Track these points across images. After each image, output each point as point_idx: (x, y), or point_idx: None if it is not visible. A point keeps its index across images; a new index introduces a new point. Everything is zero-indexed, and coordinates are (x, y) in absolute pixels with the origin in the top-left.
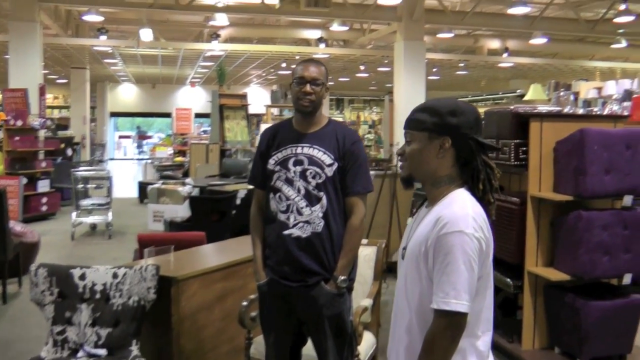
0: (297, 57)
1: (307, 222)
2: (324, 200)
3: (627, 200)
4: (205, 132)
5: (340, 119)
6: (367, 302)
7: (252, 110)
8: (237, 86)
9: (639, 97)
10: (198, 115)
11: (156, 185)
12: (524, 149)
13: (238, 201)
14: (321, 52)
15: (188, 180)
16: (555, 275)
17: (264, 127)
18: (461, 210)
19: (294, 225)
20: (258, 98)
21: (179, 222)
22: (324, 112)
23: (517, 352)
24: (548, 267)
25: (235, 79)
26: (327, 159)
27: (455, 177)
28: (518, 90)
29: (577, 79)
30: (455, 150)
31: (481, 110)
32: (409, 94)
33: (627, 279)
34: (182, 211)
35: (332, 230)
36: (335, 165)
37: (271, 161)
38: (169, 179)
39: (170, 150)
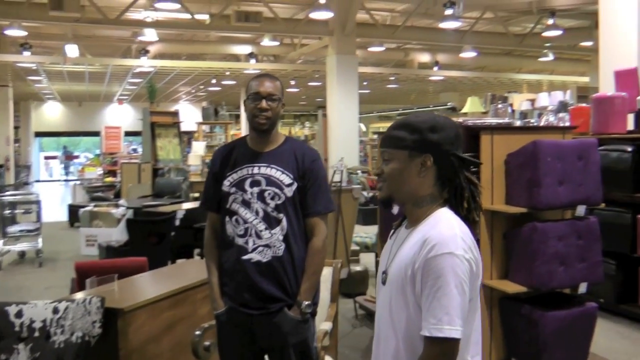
0: (227, 73)
1: (267, 245)
2: (284, 222)
3: (581, 210)
4: (135, 150)
5: None
6: (327, 325)
7: (183, 127)
8: (167, 103)
9: (577, 108)
10: (128, 134)
11: (88, 208)
12: None
13: (177, 222)
14: (252, 67)
15: (121, 201)
16: (511, 287)
17: (196, 145)
18: (449, 231)
19: (254, 250)
20: (188, 115)
21: (116, 246)
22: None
23: None
24: (503, 280)
25: (165, 95)
26: (286, 178)
27: (437, 196)
28: (449, 103)
29: (507, 91)
30: (437, 168)
31: None
32: (342, 107)
33: (582, 287)
34: (116, 234)
35: (293, 253)
36: (295, 185)
37: (226, 182)
38: (100, 201)
39: (99, 171)
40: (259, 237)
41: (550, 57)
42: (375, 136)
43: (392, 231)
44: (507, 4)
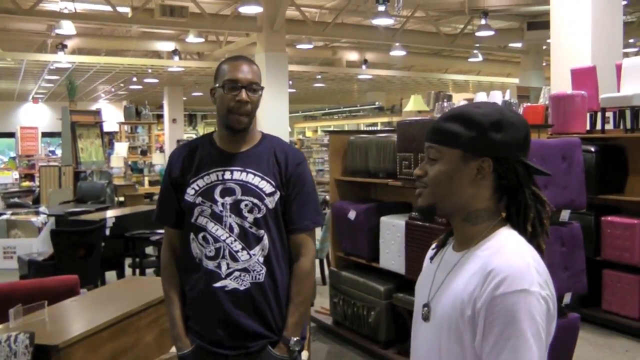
0: (149, 71)
1: (244, 270)
2: (265, 240)
3: (565, 215)
4: (53, 152)
5: (194, 136)
6: (305, 355)
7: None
8: (85, 102)
9: (531, 107)
10: (45, 135)
11: (5, 217)
12: None
13: (107, 231)
14: (175, 65)
15: (41, 208)
16: None
17: (118, 146)
18: (520, 260)
19: (228, 275)
20: (108, 115)
21: (39, 261)
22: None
23: None
24: None
25: (83, 94)
26: (266, 186)
27: (495, 212)
28: (377, 103)
29: (436, 91)
30: (496, 177)
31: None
32: (271, 106)
33: (567, 298)
34: (37, 245)
35: (276, 278)
36: (278, 195)
37: (189, 191)
38: (18, 208)
39: (15, 175)
40: (234, 259)
41: (480, 58)
42: (301, 136)
43: (432, 251)
44: (438, 3)
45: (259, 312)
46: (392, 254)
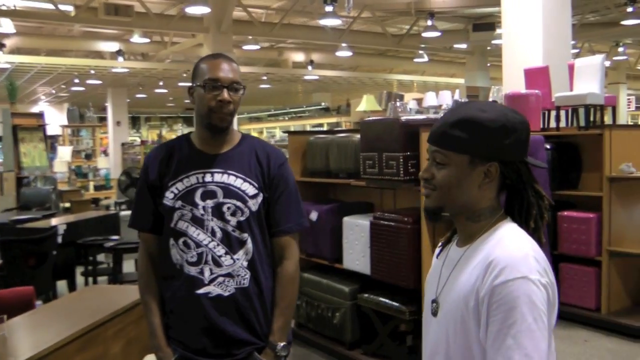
0: (92, 72)
1: (228, 275)
2: (249, 243)
3: None
4: None
5: (138, 139)
6: None
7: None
8: (25, 105)
9: None
10: None
11: None
12: (414, 162)
13: (59, 239)
14: (119, 66)
15: None
16: None
17: (61, 150)
18: (519, 250)
19: (212, 281)
20: (49, 118)
21: None
22: None
23: None
24: None
25: (23, 96)
26: (249, 188)
27: (497, 207)
28: (323, 103)
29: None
30: (501, 177)
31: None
32: None
33: None
34: None
35: (260, 283)
36: (261, 197)
37: (168, 194)
38: None
39: None
40: (217, 264)
41: (425, 58)
42: None
43: (438, 249)
44: (385, 4)
45: (244, 318)
46: (356, 254)
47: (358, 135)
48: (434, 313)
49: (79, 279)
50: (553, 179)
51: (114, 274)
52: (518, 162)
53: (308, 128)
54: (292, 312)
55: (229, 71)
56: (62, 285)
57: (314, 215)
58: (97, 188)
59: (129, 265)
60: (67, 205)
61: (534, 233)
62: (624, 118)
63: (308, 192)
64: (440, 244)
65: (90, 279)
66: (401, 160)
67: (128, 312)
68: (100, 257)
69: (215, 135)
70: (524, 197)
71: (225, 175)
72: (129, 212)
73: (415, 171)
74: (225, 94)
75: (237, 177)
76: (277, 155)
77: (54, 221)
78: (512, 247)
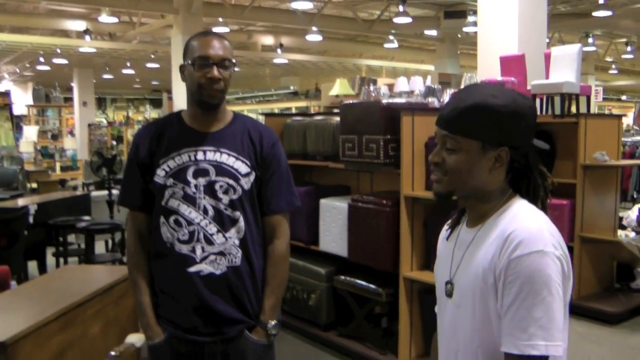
0: (58, 51)
1: (220, 253)
2: (241, 222)
3: None
4: None
5: (104, 120)
6: None
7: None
8: None
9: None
10: None
11: None
12: (394, 145)
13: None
14: (86, 45)
15: None
16: (433, 278)
17: (27, 130)
18: (534, 224)
19: (203, 260)
20: (14, 98)
21: None
22: None
23: None
24: (424, 271)
25: None
26: (242, 167)
27: (506, 188)
28: (291, 87)
29: (355, 75)
30: (510, 161)
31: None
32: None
33: None
34: None
35: (252, 262)
36: (253, 175)
37: (160, 172)
38: None
39: None
40: (209, 242)
41: (395, 44)
42: None
43: (446, 232)
44: None
45: (236, 297)
46: (332, 237)
47: (336, 118)
48: (449, 294)
49: (50, 260)
50: None
51: (86, 255)
52: (527, 147)
53: (276, 112)
54: (282, 291)
55: (219, 48)
56: (32, 266)
57: None
58: (63, 169)
59: (99, 247)
60: (34, 185)
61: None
62: (592, 108)
63: None
64: (447, 226)
65: (62, 260)
66: (381, 143)
67: (107, 293)
68: (71, 238)
69: (207, 113)
70: (531, 180)
71: (218, 154)
72: (99, 193)
73: (395, 154)
74: (215, 71)
75: (229, 155)
76: (270, 135)
77: (22, 201)
78: (528, 222)
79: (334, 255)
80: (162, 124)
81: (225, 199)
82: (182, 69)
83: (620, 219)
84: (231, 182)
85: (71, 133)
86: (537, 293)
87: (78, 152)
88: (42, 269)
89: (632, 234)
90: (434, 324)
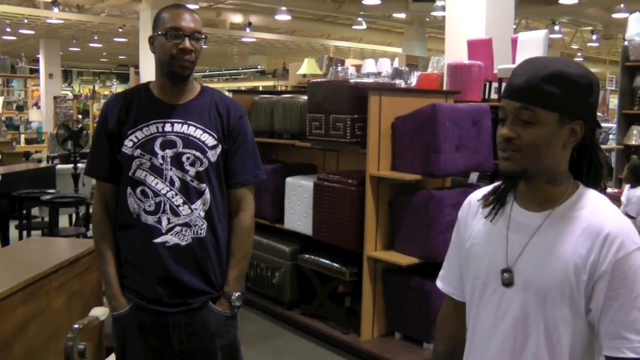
0: (25, 21)
1: (186, 224)
2: (207, 194)
3: (474, 177)
4: None
5: (70, 93)
6: None
7: None
8: None
9: (426, 74)
10: None
11: None
12: (361, 124)
13: None
14: (54, 17)
15: None
16: (397, 258)
17: None
18: (624, 220)
19: (169, 231)
20: None
21: None
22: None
23: (356, 344)
24: (388, 251)
25: None
26: (209, 139)
27: (568, 172)
28: (259, 66)
29: (323, 55)
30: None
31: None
32: (154, 67)
33: None
34: None
35: (217, 233)
36: (220, 148)
37: (127, 143)
38: None
39: None
40: (175, 214)
41: (364, 25)
42: None
43: (484, 209)
44: None
45: (200, 268)
46: (297, 215)
47: (304, 97)
48: (508, 283)
49: (12, 233)
50: (493, 149)
51: (50, 228)
52: (594, 122)
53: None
54: (247, 263)
55: (190, 20)
56: None
57: None
58: (28, 141)
59: (63, 221)
60: None
61: (604, 192)
62: None
63: None
64: (483, 205)
65: (25, 233)
66: (348, 122)
67: (71, 265)
68: (34, 211)
69: (176, 85)
70: (593, 157)
71: (185, 126)
72: (65, 166)
73: (362, 134)
74: (187, 43)
75: (196, 127)
76: (237, 108)
77: None
78: (618, 217)
79: (298, 233)
80: (130, 94)
81: (192, 170)
82: (151, 40)
83: None
84: (198, 154)
85: (36, 105)
86: None
87: (43, 124)
88: (5, 241)
89: None
90: (398, 304)
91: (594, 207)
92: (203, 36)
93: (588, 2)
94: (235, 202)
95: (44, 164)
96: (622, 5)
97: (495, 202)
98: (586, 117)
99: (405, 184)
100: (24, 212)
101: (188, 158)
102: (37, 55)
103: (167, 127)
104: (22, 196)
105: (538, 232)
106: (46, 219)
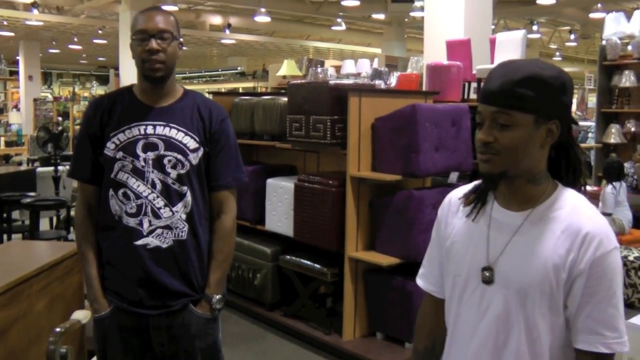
0: (4, 23)
1: (167, 227)
2: (188, 196)
3: (453, 177)
4: None
5: (49, 95)
6: None
7: None
8: None
9: (406, 75)
10: None
11: None
12: (341, 125)
13: None
14: (33, 18)
15: None
16: (378, 258)
17: None
18: (602, 220)
19: (150, 233)
20: None
21: None
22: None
23: (338, 344)
24: (369, 251)
25: None
26: (190, 142)
27: (547, 171)
28: (239, 68)
29: (302, 56)
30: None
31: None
32: (135, 69)
33: None
34: None
35: (198, 236)
36: (201, 151)
37: (110, 145)
38: None
39: None
40: (156, 216)
41: (343, 26)
42: None
43: (465, 208)
44: None
45: (181, 271)
46: (278, 216)
47: (284, 98)
48: (488, 281)
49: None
50: (473, 149)
51: (30, 231)
52: (569, 120)
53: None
54: (228, 265)
55: (157, 21)
56: None
57: None
58: (8, 144)
59: (44, 224)
60: None
61: (583, 191)
62: None
63: None
64: (463, 203)
65: (5, 237)
66: (328, 123)
67: (53, 269)
68: (15, 214)
69: (155, 87)
70: (571, 155)
71: (167, 128)
72: (45, 169)
73: (342, 135)
74: (153, 43)
75: (178, 130)
76: (219, 111)
77: None
78: (596, 217)
79: (279, 234)
80: (114, 97)
81: (173, 173)
82: (131, 45)
83: None
84: (179, 156)
85: (16, 107)
86: (618, 290)
87: (23, 127)
88: None
89: None
90: (379, 304)
91: (572, 207)
92: (174, 35)
93: (565, 2)
94: (217, 204)
95: (24, 167)
96: (599, 5)
97: (476, 201)
98: (561, 116)
99: (385, 184)
100: (4, 215)
101: (170, 161)
102: (17, 57)
103: (149, 130)
104: (3, 199)
105: (519, 231)
106: (27, 222)
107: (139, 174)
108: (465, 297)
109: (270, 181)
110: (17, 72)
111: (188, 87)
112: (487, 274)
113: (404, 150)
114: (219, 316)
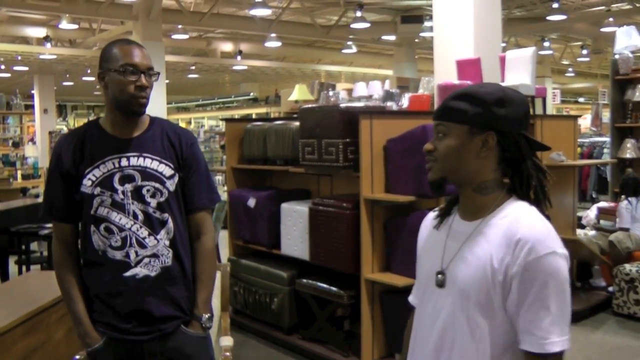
0: (19, 58)
1: (153, 255)
2: (170, 223)
3: None
4: None
5: (65, 128)
6: (228, 341)
7: None
8: None
9: (417, 96)
10: None
11: None
12: (352, 148)
13: None
14: (47, 52)
15: None
16: (394, 280)
17: None
18: (543, 226)
19: (138, 263)
20: None
21: None
22: None
23: None
24: (385, 273)
25: None
26: (166, 169)
27: (501, 183)
28: (251, 93)
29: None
30: (500, 149)
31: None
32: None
33: None
34: None
35: (182, 260)
36: (177, 177)
37: (86, 182)
38: None
39: None
40: (142, 246)
41: (353, 49)
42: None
43: (434, 220)
44: None
45: (170, 296)
46: (294, 240)
47: (296, 123)
48: (441, 284)
49: (12, 268)
50: None
51: (48, 262)
52: (517, 135)
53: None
54: (213, 284)
55: (144, 57)
56: None
57: (251, 202)
58: (25, 177)
59: None
60: None
61: (536, 206)
62: (550, 110)
63: (245, 179)
64: (435, 214)
65: (24, 268)
66: (340, 146)
67: None
68: (33, 246)
69: (130, 120)
70: (523, 169)
71: (141, 159)
72: None
73: (355, 157)
74: (144, 80)
75: (152, 159)
76: (187, 136)
77: None
78: (536, 224)
79: (295, 258)
80: (82, 133)
81: (153, 202)
82: (101, 75)
83: (580, 218)
84: (157, 185)
85: (32, 141)
86: (553, 294)
87: (39, 159)
88: (4, 276)
89: (591, 232)
90: (397, 325)
91: (514, 217)
92: (156, 72)
93: (576, 18)
94: (195, 226)
95: (41, 199)
96: (610, 19)
97: (442, 214)
98: (498, 127)
99: (399, 205)
100: (23, 247)
101: (148, 190)
102: (32, 91)
103: (124, 162)
104: (21, 231)
105: (468, 239)
106: (45, 253)
107: (119, 207)
108: (424, 301)
109: (284, 206)
110: (32, 106)
111: (202, 115)
112: (440, 277)
113: (416, 170)
114: (210, 334)
